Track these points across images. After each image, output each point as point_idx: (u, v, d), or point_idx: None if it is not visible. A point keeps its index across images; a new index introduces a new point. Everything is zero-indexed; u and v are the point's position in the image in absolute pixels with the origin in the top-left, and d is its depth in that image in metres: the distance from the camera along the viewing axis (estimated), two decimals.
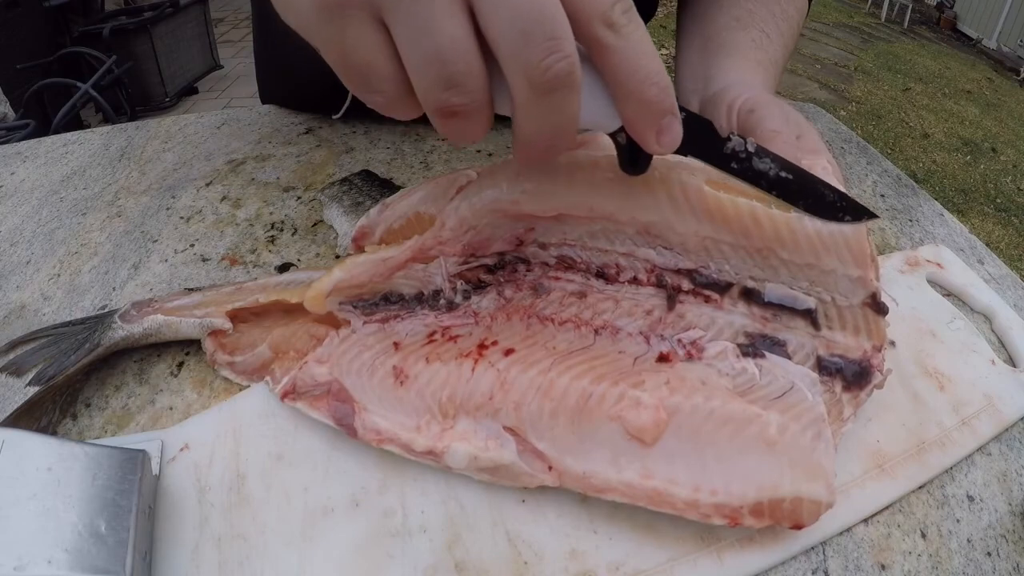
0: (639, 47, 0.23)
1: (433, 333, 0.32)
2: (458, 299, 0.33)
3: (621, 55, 0.23)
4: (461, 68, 0.22)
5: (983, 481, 0.32)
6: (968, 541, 0.30)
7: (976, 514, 0.31)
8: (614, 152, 0.29)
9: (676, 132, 0.25)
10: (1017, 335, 0.39)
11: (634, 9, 0.24)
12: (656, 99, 0.24)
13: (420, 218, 0.34)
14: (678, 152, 0.27)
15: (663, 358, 0.30)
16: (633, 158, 0.28)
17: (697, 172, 0.31)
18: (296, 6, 0.24)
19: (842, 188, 0.32)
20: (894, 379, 0.35)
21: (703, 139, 0.28)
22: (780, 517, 0.27)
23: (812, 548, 0.29)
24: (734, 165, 0.29)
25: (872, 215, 0.30)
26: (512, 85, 0.23)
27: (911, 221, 0.50)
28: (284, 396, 0.31)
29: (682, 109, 0.27)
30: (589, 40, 0.23)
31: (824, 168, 0.33)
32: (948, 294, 0.43)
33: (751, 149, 0.29)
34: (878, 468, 0.31)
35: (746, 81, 0.43)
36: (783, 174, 0.29)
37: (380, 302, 0.33)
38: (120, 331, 0.33)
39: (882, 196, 0.53)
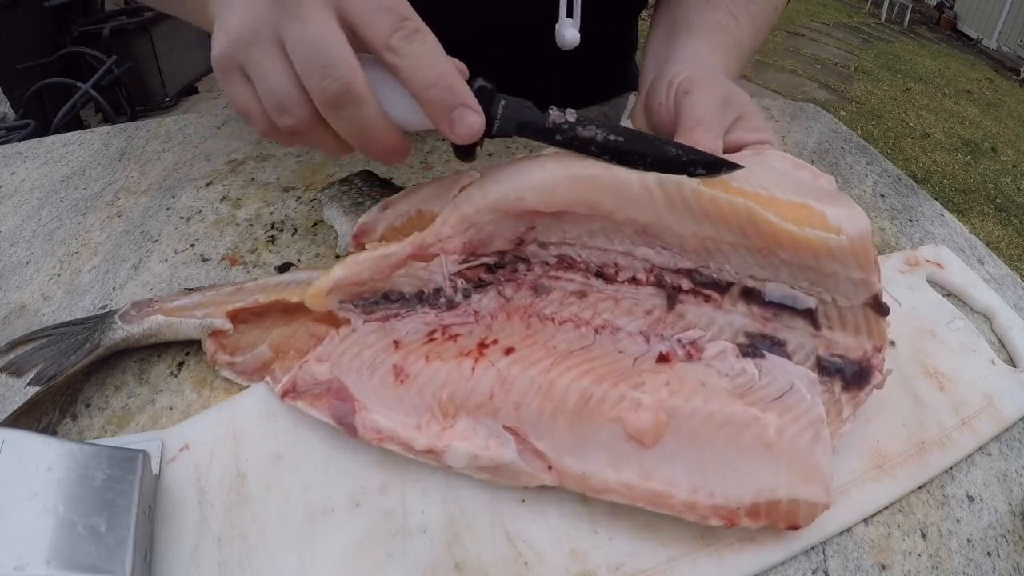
0: (420, 61, 0.28)
1: (433, 332, 0.32)
2: (458, 298, 0.33)
3: (404, 71, 0.28)
4: (284, 98, 0.29)
5: (983, 481, 0.32)
6: (968, 541, 0.30)
7: (976, 514, 0.31)
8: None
9: (469, 122, 0.29)
10: (1017, 335, 0.39)
11: (418, 30, 0.28)
12: (439, 99, 0.28)
13: (422, 216, 0.34)
14: (502, 134, 0.31)
15: (663, 358, 0.30)
16: (456, 148, 0.31)
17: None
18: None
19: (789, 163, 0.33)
20: (894, 379, 0.35)
21: (526, 119, 0.31)
22: (776, 519, 0.27)
23: (812, 548, 0.29)
24: (558, 137, 0.31)
25: (733, 166, 0.30)
26: (316, 105, 0.29)
27: (911, 221, 0.50)
28: (284, 395, 0.31)
29: (503, 96, 0.31)
30: (384, 64, 0.29)
31: (768, 146, 0.35)
32: (948, 294, 0.42)
33: (571, 119, 0.31)
34: (878, 468, 0.31)
35: (701, 61, 0.43)
36: (612, 138, 0.30)
37: (380, 301, 0.33)
38: (120, 332, 0.33)
39: (882, 196, 0.53)
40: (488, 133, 0.31)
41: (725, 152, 0.36)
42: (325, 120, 0.29)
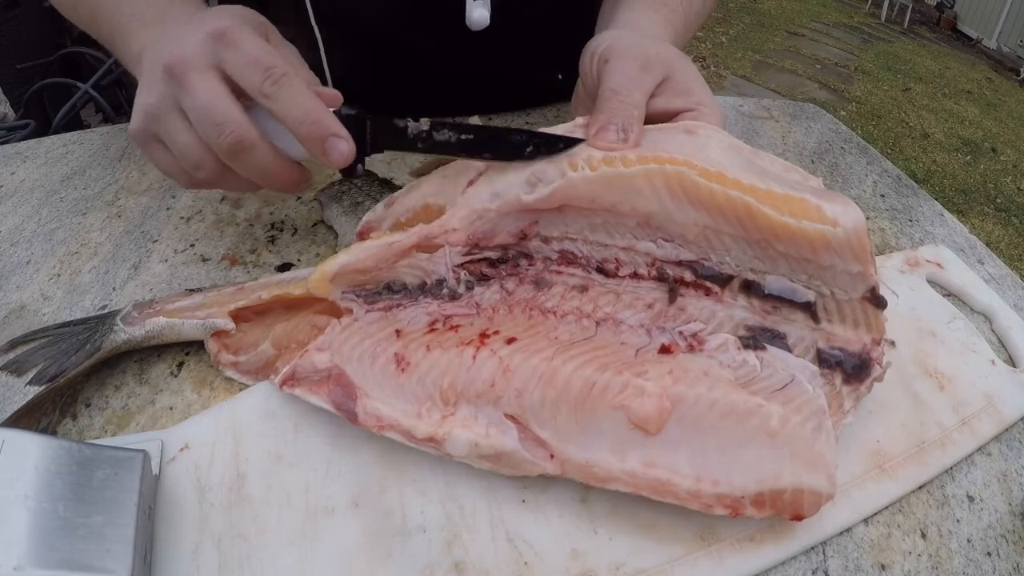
0: (288, 101, 0.32)
1: (435, 322, 0.32)
2: (461, 289, 0.33)
3: (278, 112, 0.32)
4: (195, 158, 0.33)
5: (983, 481, 0.32)
6: (968, 541, 0.30)
7: (976, 514, 0.31)
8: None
9: (339, 149, 0.32)
10: (1017, 335, 0.39)
11: (284, 74, 0.32)
12: (309, 133, 0.32)
13: (428, 210, 0.34)
14: (375, 151, 0.34)
15: (665, 349, 0.31)
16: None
17: (693, 165, 0.31)
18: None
19: (719, 121, 0.35)
20: (894, 379, 0.35)
21: (391, 135, 0.34)
22: (781, 508, 0.27)
23: (812, 548, 0.29)
24: (420, 145, 0.34)
25: (572, 141, 0.32)
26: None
27: (911, 221, 0.50)
28: (283, 383, 0.31)
29: (368, 117, 0.34)
30: (263, 108, 0.32)
31: (699, 111, 0.35)
32: (948, 294, 0.42)
33: (425, 128, 0.33)
34: (878, 468, 0.31)
35: (635, 27, 0.43)
36: (463, 136, 0.33)
37: (383, 291, 0.33)
38: (122, 334, 0.33)
39: (882, 196, 0.53)
40: (364, 151, 0.34)
41: (655, 121, 0.35)
42: (231, 170, 0.34)
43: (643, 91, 0.35)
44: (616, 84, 0.35)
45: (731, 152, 0.33)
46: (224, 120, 0.32)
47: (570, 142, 0.32)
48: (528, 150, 0.32)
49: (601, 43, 0.39)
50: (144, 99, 0.34)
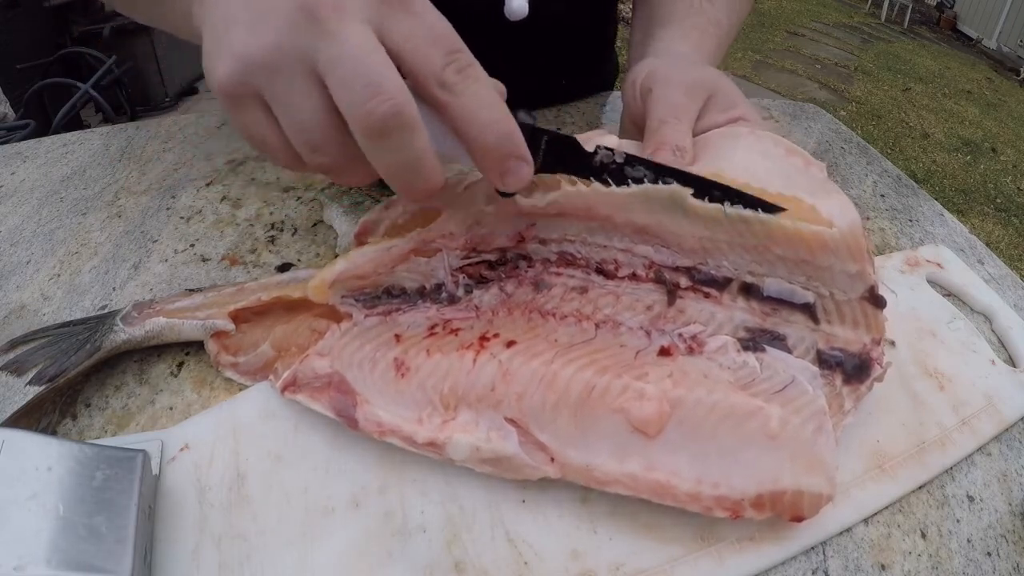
0: (474, 100, 0.25)
1: (434, 326, 0.32)
2: (460, 292, 0.33)
3: (456, 111, 0.25)
4: (319, 136, 0.25)
5: (983, 481, 0.32)
6: (968, 541, 0.30)
7: (976, 514, 0.31)
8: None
9: (521, 174, 0.27)
10: (1017, 335, 0.39)
11: (472, 64, 0.26)
12: (494, 146, 0.26)
13: (426, 213, 0.34)
14: (546, 171, 0.30)
15: (664, 352, 0.30)
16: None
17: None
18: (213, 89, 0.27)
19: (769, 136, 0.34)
20: (894, 379, 0.35)
21: (570, 157, 0.30)
22: (781, 510, 0.27)
23: (812, 548, 0.29)
24: (605, 175, 0.30)
25: (779, 208, 0.29)
26: (355, 134, 0.25)
27: (911, 221, 0.50)
28: (284, 389, 0.31)
29: (545, 131, 0.29)
30: (428, 99, 0.26)
31: (741, 122, 0.35)
32: (948, 294, 0.42)
33: (619, 160, 0.30)
34: (878, 468, 0.31)
35: (671, 51, 0.43)
36: (661, 180, 0.30)
37: (382, 295, 0.33)
38: (122, 334, 0.33)
39: (882, 196, 0.53)
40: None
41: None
42: (362, 158, 0.26)
43: (690, 116, 0.36)
44: (663, 114, 0.35)
45: (765, 161, 0.33)
46: (382, 81, 0.23)
47: (771, 208, 0.30)
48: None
49: (641, 72, 0.39)
50: (247, 39, 0.24)
